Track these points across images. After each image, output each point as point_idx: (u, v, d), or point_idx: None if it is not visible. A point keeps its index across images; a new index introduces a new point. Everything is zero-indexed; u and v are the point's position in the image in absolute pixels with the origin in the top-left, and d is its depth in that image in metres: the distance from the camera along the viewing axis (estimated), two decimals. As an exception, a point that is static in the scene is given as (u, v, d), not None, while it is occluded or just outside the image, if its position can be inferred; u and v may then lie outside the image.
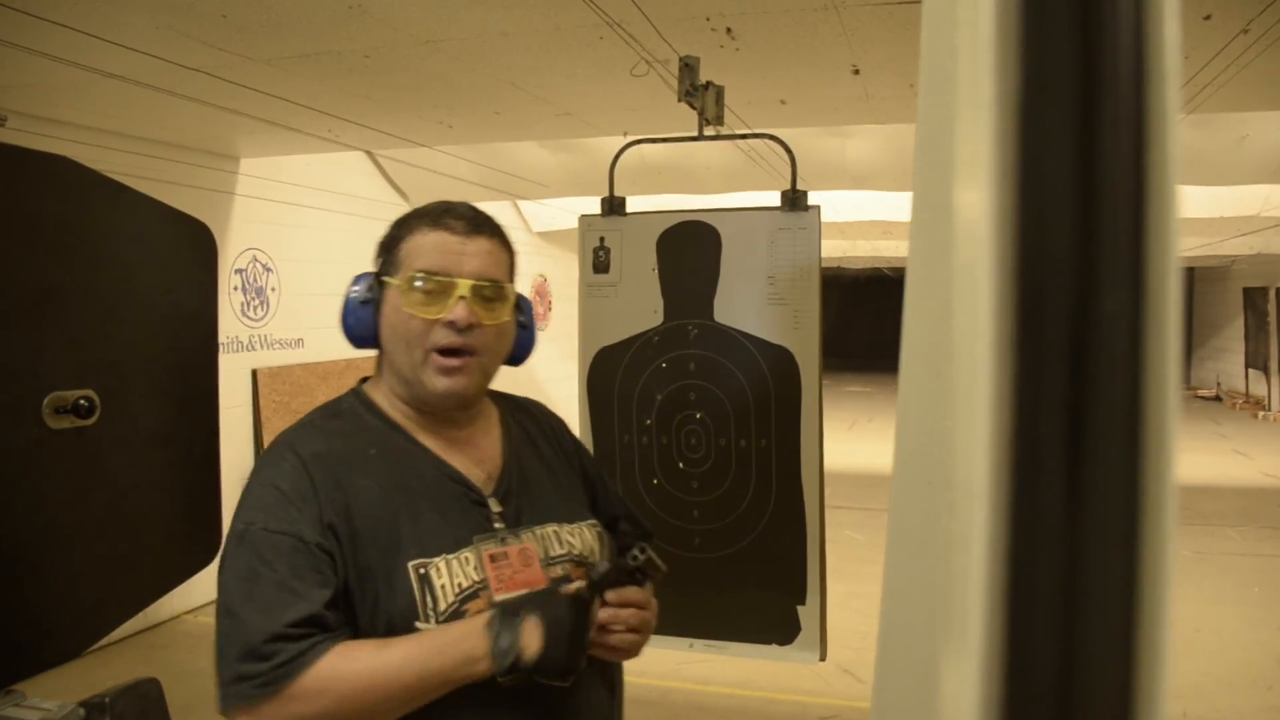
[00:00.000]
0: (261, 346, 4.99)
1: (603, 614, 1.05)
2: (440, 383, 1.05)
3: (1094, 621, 0.33)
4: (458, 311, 1.04)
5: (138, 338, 1.67)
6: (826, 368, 2.22)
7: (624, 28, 2.56)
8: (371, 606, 0.98)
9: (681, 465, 2.22)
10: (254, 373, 4.90)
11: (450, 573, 1.01)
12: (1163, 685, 0.33)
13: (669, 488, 2.18)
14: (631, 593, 1.06)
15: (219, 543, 1.76)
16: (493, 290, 1.08)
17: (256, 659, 0.90)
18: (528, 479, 1.15)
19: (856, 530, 5.41)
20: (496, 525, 1.08)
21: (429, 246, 1.07)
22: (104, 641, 1.65)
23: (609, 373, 2.24)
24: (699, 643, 2.09)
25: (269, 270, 5.08)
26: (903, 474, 0.62)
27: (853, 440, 9.53)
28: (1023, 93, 0.34)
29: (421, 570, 1.00)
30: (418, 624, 0.98)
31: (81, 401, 1.52)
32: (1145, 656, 0.33)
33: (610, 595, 1.05)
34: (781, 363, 2.16)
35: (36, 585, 1.47)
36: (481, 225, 1.10)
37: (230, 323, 4.70)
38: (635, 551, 1.05)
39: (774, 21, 2.56)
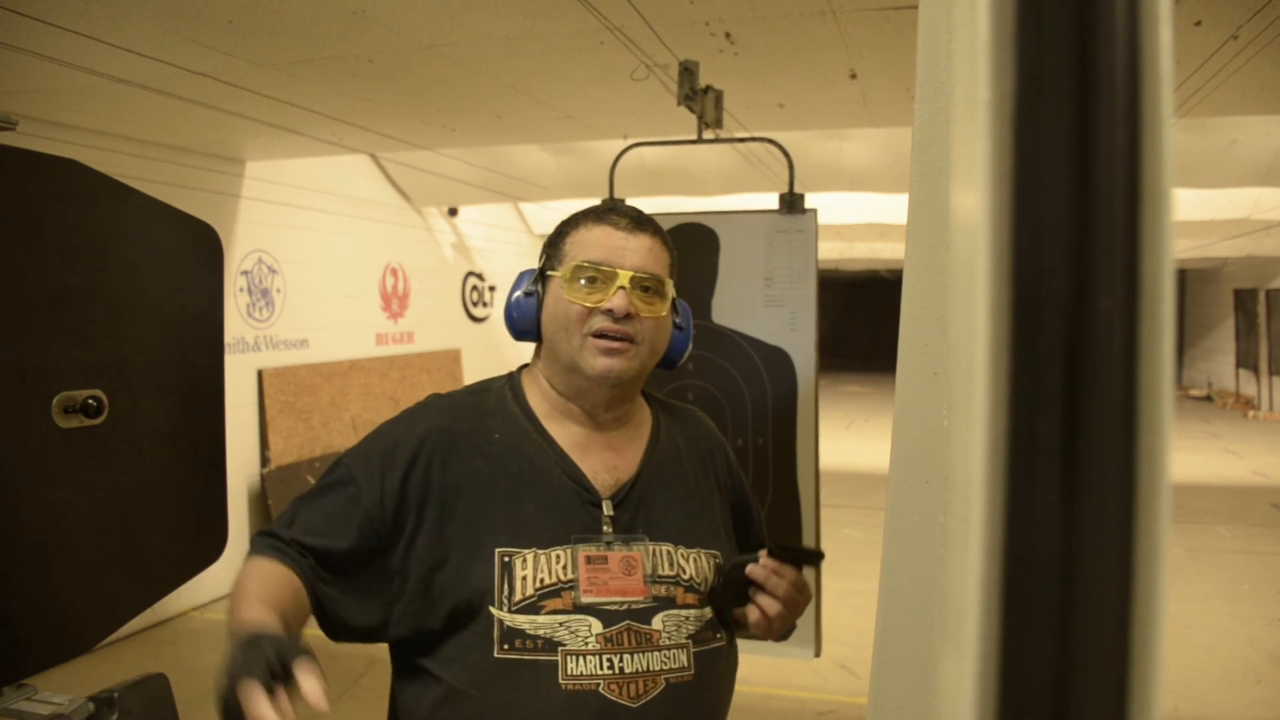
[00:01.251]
0: (267, 347, 4.99)
1: (758, 572, 1.06)
2: (599, 362, 1.07)
3: (1089, 618, 0.33)
4: (617, 300, 1.06)
5: (145, 338, 1.68)
6: (825, 368, 2.23)
7: (624, 33, 2.56)
8: (451, 578, 1.01)
9: (682, 465, 2.22)
10: (259, 373, 4.89)
11: (535, 566, 1.02)
12: (1157, 681, 0.33)
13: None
14: (786, 570, 1.08)
15: (225, 540, 1.78)
16: (652, 283, 1.10)
17: (275, 532, 1.06)
18: (658, 493, 1.13)
19: (854, 528, 5.41)
20: (605, 529, 1.07)
21: (593, 240, 1.10)
22: (113, 637, 1.66)
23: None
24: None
25: (274, 272, 5.08)
26: (900, 473, 0.62)
27: (850, 439, 9.53)
28: (1018, 96, 0.33)
29: (506, 558, 1.02)
30: (491, 608, 0.99)
31: (90, 401, 1.53)
32: (1140, 653, 0.32)
33: (767, 562, 1.06)
34: (778, 363, 2.17)
35: (46, 581, 1.48)
36: (644, 223, 1.13)
37: (236, 324, 4.70)
38: (769, 548, 1.07)
39: (772, 27, 2.57)
